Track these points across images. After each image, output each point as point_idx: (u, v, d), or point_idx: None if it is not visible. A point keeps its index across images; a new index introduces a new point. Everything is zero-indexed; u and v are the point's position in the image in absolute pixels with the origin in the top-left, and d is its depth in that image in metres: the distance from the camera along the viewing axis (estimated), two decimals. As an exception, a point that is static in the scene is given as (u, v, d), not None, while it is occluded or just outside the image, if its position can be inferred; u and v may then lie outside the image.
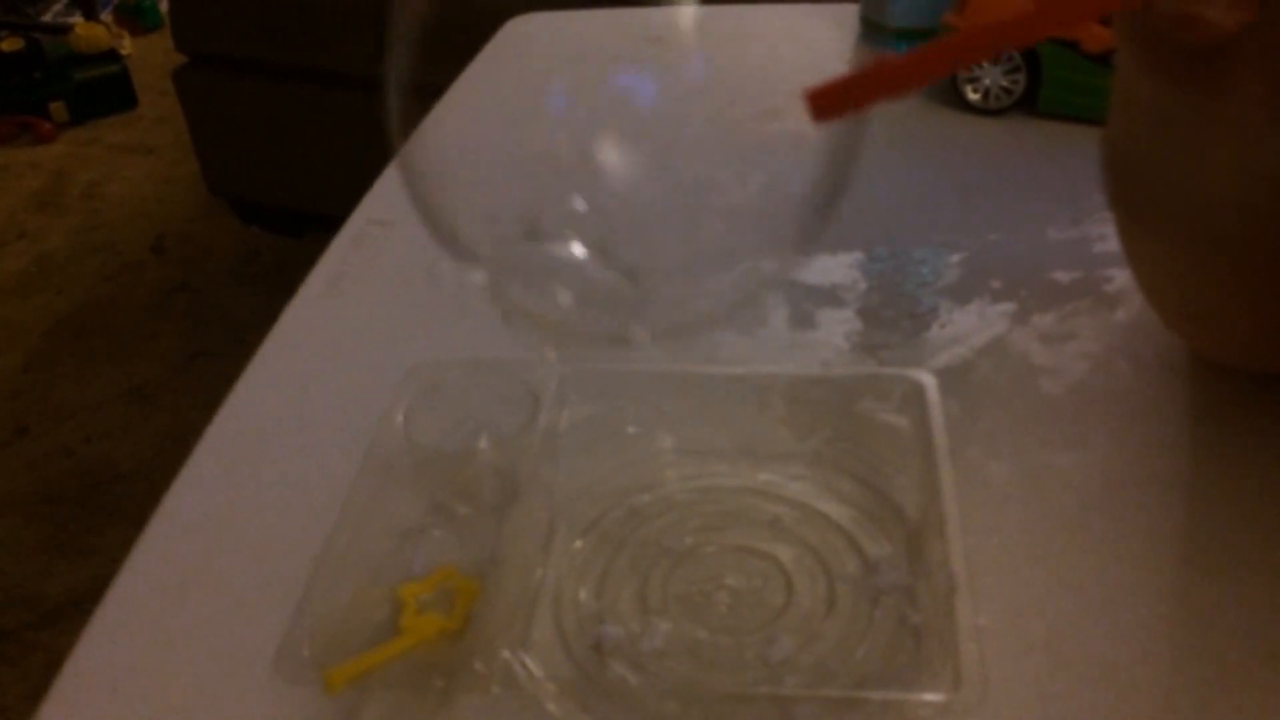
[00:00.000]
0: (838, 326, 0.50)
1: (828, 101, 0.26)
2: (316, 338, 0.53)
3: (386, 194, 0.64)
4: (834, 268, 0.55)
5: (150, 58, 2.70)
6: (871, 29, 0.81)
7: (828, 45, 0.82)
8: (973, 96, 0.69)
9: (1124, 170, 0.37)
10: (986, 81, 0.69)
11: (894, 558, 0.38)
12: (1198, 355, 0.45)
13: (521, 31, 0.87)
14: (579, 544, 0.40)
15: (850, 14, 0.84)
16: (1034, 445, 0.43)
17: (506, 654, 0.34)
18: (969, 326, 0.49)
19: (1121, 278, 0.51)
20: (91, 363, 1.75)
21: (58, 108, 2.45)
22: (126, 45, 2.74)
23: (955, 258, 0.55)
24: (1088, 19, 0.27)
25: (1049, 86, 0.67)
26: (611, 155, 0.34)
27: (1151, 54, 0.30)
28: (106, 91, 2.49)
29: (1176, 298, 0.42)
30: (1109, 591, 0.37)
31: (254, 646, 0.37)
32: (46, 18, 2.72)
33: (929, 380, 0.41)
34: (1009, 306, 0.50)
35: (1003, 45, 0.27)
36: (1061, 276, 0.52)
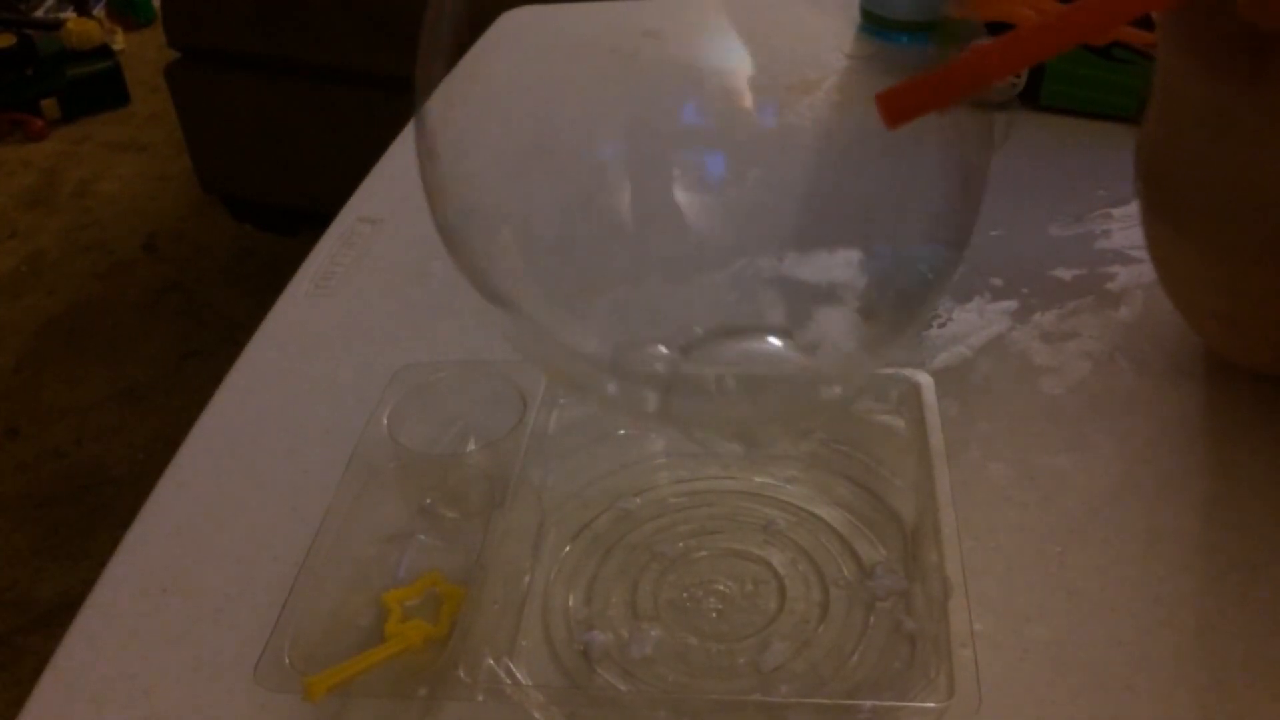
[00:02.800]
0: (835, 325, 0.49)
1: (901, 104, 0.26)
2: (303, 339, 0.52)
3: (376, 191, 0.63)
4: (832, 265, 0.54)
5: (143, 53, 2.69)
6: (872, 21, 0.81)
7: (827, 38, 0.81)
8: (971, 91, 0.68)
9: (1168, 176, 0.37)
10: (985, 76, 0.68)
11: (890, 562, 0.37)
12: (1218, 356, 0.44)
13: (517, 25, 0.86)
14: (568, 548, 0.39)
15: (850, 6, 0.83)
16: (1034, 446, 0.42)
17: (491, 661, 0.33)
18: (969, 325, 0.49)
19: (1125, 275, 0.50)
20: (83, 363, 1.74)
21: (49, 104, 2.43)
22: (119, 41, 2.73)
23: (954, 255, 0.54)
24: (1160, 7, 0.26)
25: (1052, 80, 0.66)
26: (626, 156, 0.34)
27: (1208, 53, 0.30)
28: (99, 88, 2.48)
29: (1210, 301, 0.42)
30: (1109, 597, 0.36)
31: (236, 653, 0.36)
32: (39, 13, 2.70)
33: (926, 380, 0.40)
34: (1010, 304, 0.50)
35: (1070, 40, 0.26)
36: (1063, 274, 0.51)
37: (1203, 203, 0.36)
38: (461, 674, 0.32)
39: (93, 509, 1.46)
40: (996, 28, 0.73)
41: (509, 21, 0.86)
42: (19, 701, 0.36)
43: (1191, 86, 0.33)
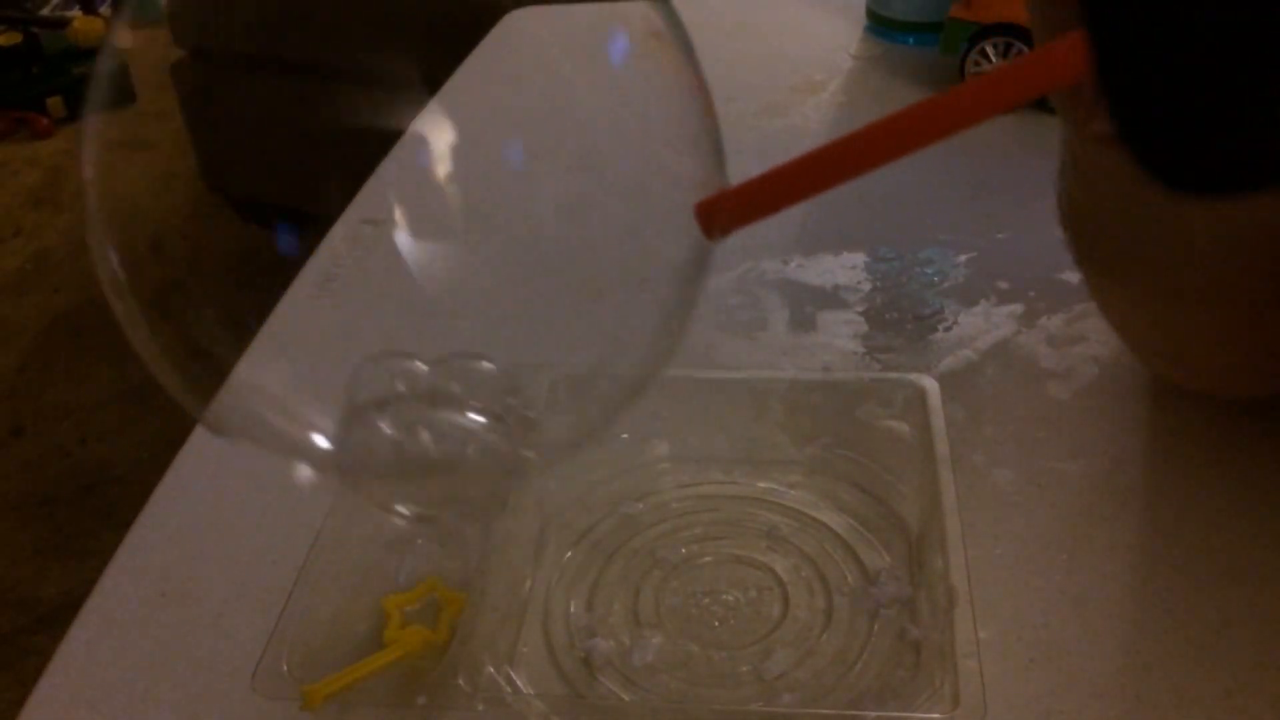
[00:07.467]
0: (840, 329, 0.49)
1: (722, 214, 0.22)
2: (305, 340, 0.52)
3: (379, 193, 0.63)
4: (837, 268, 0.53)
5: (150, 51, 2.69)
6: (878, 22, 0.80)
7: (833, 39, 0.80)
8: (978, 92, 0.68)
9: (1089, 229, 0.36)
10: (992, 77, 0.67)
11: (894, 569, 0.37)
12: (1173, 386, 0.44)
13: (520, 26, 0.86)
14: (569, 554, 0.39)
15: (856, 7, 0.82)
16: (1040, 451, 0.42)
17: (491, 669, 0.32)
18: (975, 329, 0.48)
19: (1130, 279, 0.50)
20: (88, 362, 1.74)
21: (55, 103, 2.44)
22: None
23: (962, 258, 0.53)
24: (1023, 100, 0.23)
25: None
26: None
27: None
28: (105, 87, 2.48)
29: (1150, 341, 0.41)
30: (1115, 604, 0.36)
31: (234, 660, 0.36)
32: (45, 11, 2.71)
33: (931, 385, 0.40)
34: (1016, 308, 0.49)
35: (915, 142, 0.22)
36: (1071, 277, 0.51)
37: (1131, 252, 0.35)
38: (461, 682, 0.32)
39: (97, 509, 1.46)
40: (1002, 29, 0.72)
41: (512, 22, 0.86)
42: (23, 702, 0.36)
43: (1103, 154, 0.32)
